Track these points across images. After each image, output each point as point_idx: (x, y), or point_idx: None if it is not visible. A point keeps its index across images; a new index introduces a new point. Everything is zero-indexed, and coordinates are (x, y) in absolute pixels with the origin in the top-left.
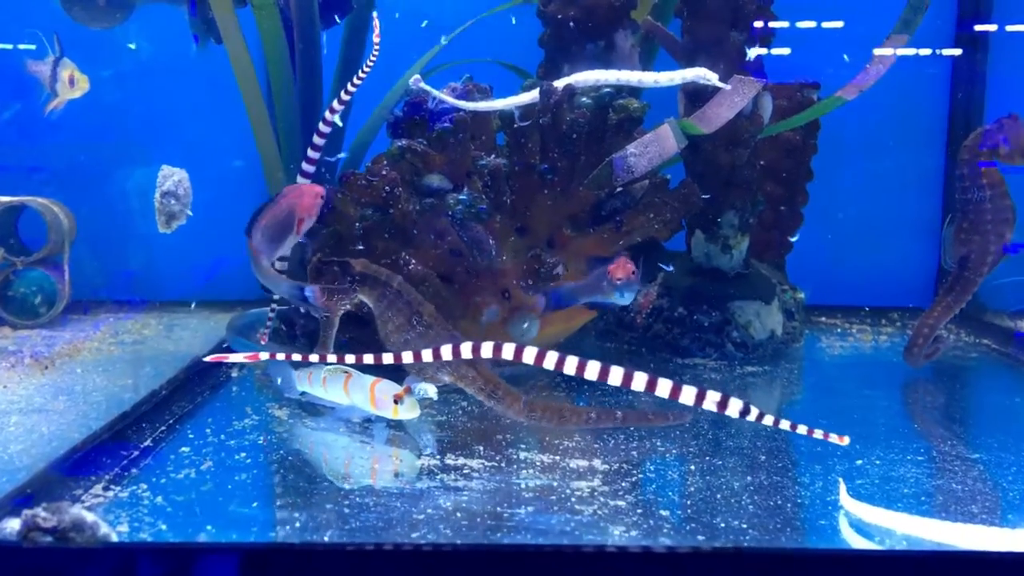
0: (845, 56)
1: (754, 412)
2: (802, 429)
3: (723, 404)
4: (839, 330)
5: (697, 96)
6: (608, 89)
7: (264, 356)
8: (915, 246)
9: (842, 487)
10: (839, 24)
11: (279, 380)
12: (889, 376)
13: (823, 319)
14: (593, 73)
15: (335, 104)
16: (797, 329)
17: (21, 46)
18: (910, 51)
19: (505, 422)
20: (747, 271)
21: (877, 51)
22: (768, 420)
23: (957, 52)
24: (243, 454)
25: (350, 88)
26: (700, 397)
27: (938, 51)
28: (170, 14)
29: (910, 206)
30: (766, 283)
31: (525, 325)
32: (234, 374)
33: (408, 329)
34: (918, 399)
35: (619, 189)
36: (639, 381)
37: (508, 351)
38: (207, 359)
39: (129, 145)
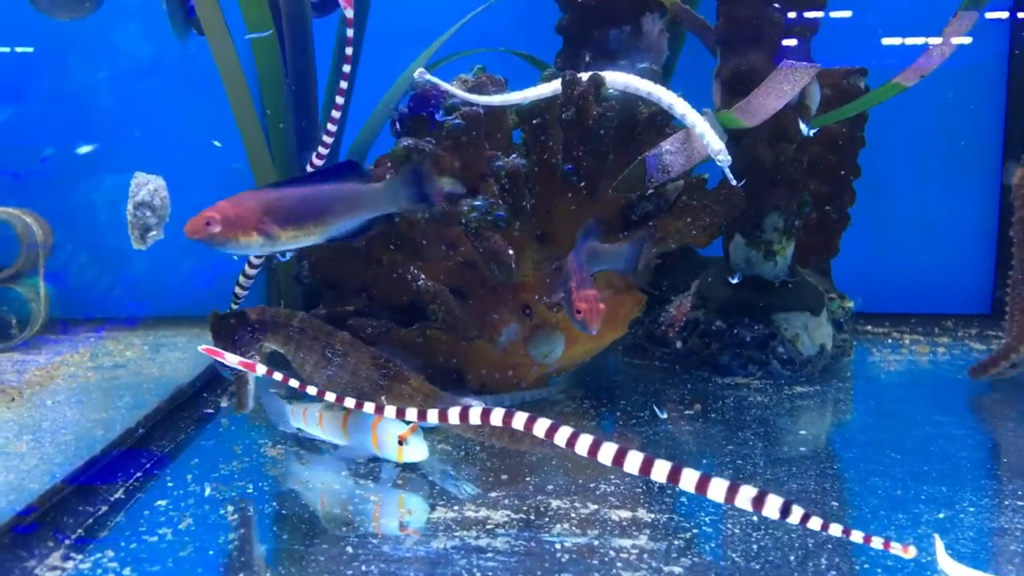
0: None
1: (796, 513)
2: (856, 536)
3: (759, 501)
4: (890, 341)
5: (736, 85)
6: None
7: (261, 370)
8: (969, 247)
9: (939, 545)
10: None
11: (272, 414)
12: (957, 396)
13: (869, 328)
14: (624, 76)
15: (327, 133)
16: (847, 342)
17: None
18: (964, 38)
19: (531, 459)
20: (793, 279)
21: (943, 31)
22: (815, 524)
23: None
24: (229, 508)
25: (333, 121)
26: (732, 492)
27: (994, 39)
28: (147, 5)
29: (964, 204)
30: (815, 292)
31: (549, 345)
32: (223, 404)
33: (325, 365)
34: (999, 426)
35: (651, 191)
36: (659, 470)
37: (519, 420)
38: (201, 348)
39: (108, 149)
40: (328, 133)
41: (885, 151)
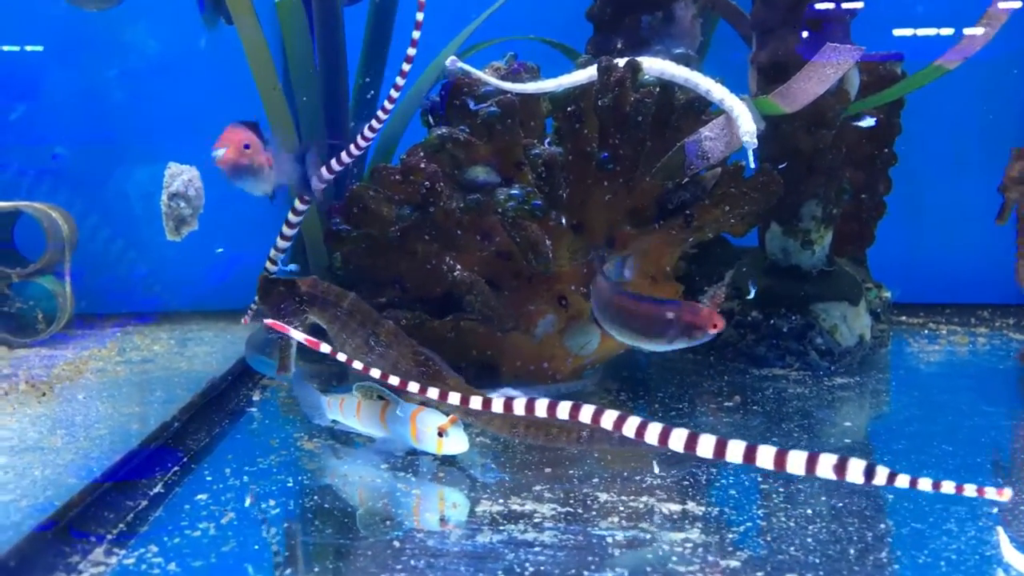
0: None
1: (882, 474)
2: (948, 487)
3: (841, 468)
4: (926, 332)
5: (773, 71)
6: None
7: (325, 349)
8: (1006, 236)
9: (1003, 538)
10: None
11: (307, 407)
12: (1003, 387)
13: (904, 318)
14: (660, 62)
15: (377, 120)
16: (885, 332)
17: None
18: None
19: (572, 451)
20: (831, 268)
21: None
22: (903, 482)
23: None
24: (271, 502)
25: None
26: (812, 462)
27: None
28: None
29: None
30: (853, 282)
31: (584, 336)
32: (255, 397)
33: (367, 351)
34: None
35: (686, 179)
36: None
37: (584, 412)
38: (266, 323)
39: (135, 142)
40: (378, 120)
41: (922, 139)
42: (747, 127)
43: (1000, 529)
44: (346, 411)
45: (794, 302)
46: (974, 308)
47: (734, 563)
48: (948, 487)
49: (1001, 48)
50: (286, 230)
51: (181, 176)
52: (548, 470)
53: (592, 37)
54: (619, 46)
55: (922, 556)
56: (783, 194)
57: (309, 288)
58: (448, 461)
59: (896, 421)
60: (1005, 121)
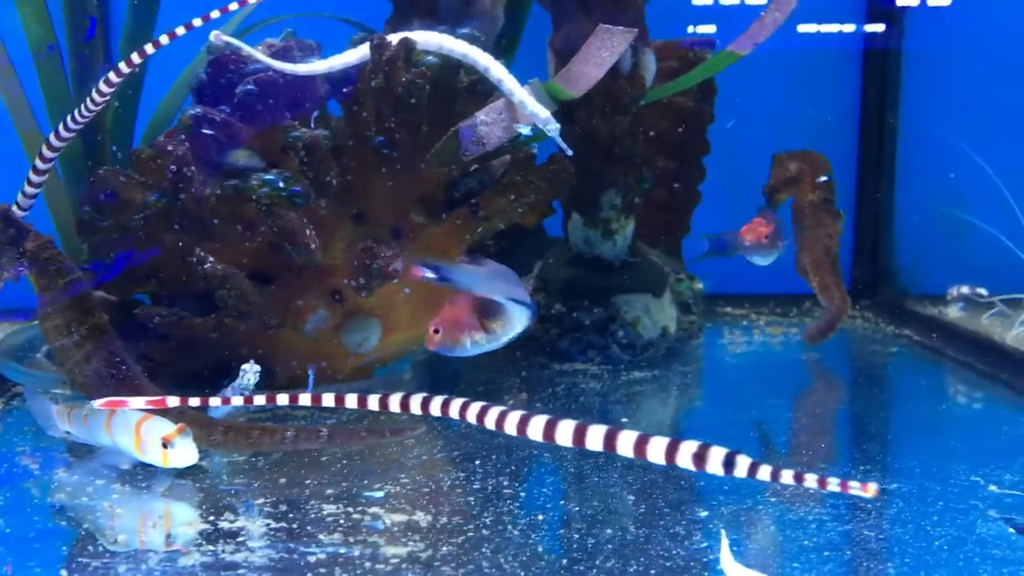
0: None
1: (743, 464)
2: (832, 484)
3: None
4: (744, 323)
5: (569, 54)
6: None
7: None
8: None
9: (724, 544)
10: None
11: (39, 417)
12: (798, 379)
13: (728, 309)
14: (437, 36)
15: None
16: (695, 324)
17: None
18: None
19: (322, 459)
20: (634, 259)
21: None
22: (764, 473)
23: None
24: None
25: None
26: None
27: (850, 19)
28: None
29: None
30: (657, 273)
31: (362, 333)
32: None
33: (66, 334)
34: (830, 408)
35: (475, 167)
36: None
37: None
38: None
39: None
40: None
41: (741, 129)
42: (541, 113)
43: (724, 533)
44: (74, 421)
45: (597, 294)
46: (797, 299)
47: None
48: (833, 484)
49: (820, 43)
50: (28, 188)
51: None
52: (283, 480)
53: (391, 16)
54: (416, 25)
55: (636, 563)
56: (582, 183)
57: (34, 249)
58: (185, 473)
59: (677, 416)
60: (824, 114)
